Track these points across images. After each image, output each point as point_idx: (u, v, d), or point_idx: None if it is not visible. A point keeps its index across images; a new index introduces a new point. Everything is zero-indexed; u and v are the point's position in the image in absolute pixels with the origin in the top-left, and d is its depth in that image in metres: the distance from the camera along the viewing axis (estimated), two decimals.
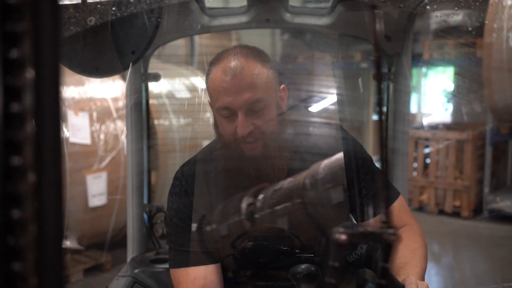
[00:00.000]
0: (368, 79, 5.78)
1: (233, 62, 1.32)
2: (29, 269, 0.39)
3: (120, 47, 1.04)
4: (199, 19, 1.90)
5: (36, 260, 0.39)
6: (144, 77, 2.02)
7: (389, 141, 2.03)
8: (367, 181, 1.47)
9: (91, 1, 0.94)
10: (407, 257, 1.36)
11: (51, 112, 0.40)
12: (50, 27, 0.40)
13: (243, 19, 1.92)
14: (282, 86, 1.42)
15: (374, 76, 2.07)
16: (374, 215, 1.46)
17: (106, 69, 1.07)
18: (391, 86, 2.01)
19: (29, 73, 0.39)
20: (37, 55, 0.39)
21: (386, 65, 2.02)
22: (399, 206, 1.50)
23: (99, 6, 0.94)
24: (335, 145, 1.47)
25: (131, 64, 1.75)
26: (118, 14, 0.93)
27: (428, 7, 1.50)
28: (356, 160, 1.47)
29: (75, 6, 0.95)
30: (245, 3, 1.88)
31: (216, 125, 1.42)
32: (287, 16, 1.91)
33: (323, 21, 1.92)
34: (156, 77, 2.04)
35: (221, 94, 1.31)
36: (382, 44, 1.93)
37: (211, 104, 1.40)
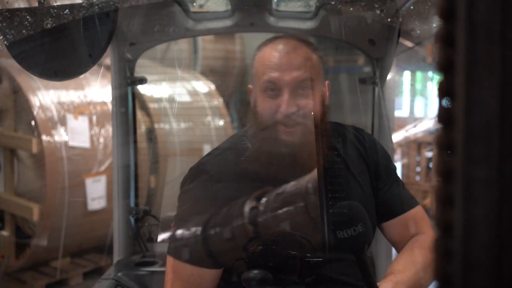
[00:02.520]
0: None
1: (286, 42, 1.31)
2: None
3: (76, 51, 1.05)
4: (183, 23, 1.91)
5: None
6: (129, 81, 2.03)
7: None
8: (387, 184, 1.44)
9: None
10: (403, 266, 1.29)
11: None
12: None
13: (227, 23, 1.93)
14: (326, 81, 1.38)
15: (359, 80, 2.07)
16: (390, 218, 1.43)
17: (64, 73, 1.08)
18: (376, 89, 2.01)
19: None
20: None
21: (371, 69, 2.01)
22: (420, 214, 1.45)
23: (51, 10, 0.95)
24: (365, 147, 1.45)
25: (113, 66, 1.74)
26: (71, 18, 0.94)
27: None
28: (379, 164, 1.44)
29: (27, 9, 0.96)
30: (229, 7, 1.89)
31: (254, 108, 1.34)
32: (271, 20, 1.91)
33: (307, 25, 1.92)
34: (142, 81, 2.05)
35: (270, 68, 1.27)
36: (366, 48, 1.93)
37: (254, 82, 1.33)
